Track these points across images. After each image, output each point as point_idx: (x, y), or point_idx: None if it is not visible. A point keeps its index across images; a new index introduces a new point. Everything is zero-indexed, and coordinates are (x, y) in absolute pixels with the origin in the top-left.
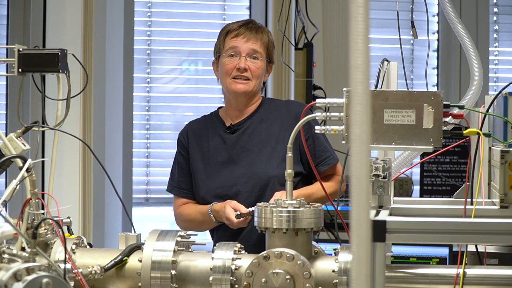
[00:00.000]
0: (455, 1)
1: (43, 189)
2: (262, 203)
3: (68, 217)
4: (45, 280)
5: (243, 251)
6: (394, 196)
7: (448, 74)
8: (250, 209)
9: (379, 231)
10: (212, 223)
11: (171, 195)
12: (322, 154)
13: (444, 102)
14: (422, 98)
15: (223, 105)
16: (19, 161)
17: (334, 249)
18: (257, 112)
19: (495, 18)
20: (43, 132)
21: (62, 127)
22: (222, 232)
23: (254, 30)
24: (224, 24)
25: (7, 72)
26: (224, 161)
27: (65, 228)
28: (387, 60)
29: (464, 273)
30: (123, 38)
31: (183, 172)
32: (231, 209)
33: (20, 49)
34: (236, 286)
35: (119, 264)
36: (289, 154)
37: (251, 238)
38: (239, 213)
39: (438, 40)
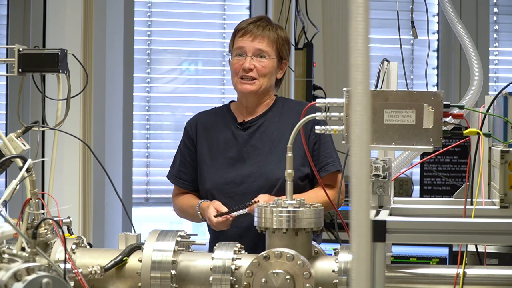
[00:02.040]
0: (455, 1)
1: (43, 189)
2: (262, 203)
3: (68, 217)
4: (45, 280)
5: (243, 251)
6: (394, 196)
7: (448, 74)
8: (236, 212)
9: (379, 231)
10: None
11: (171, 195)
12: (324, 159)
13: (444, 102)
14: (422, 98)
15: (232, 100)
16: (19, 161)
17: (334, 249)
18: (270, 111)
19: (495, 18)
20: (43, 132)
21: (62, 127)
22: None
23: (262, 28)
24: (224, 24)
25: (7, 72)
26: (233, 158)
27: (65, 228)
28: (387, 60)
29: (464, 273)
30: (123, 38)
31: (185, 163)
32: (214, 210)
33: (20, 49)
34: (236, 286)
35: (119, 264)
36: (289, 154)
37: (246, 240)
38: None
39: (438, 40)
